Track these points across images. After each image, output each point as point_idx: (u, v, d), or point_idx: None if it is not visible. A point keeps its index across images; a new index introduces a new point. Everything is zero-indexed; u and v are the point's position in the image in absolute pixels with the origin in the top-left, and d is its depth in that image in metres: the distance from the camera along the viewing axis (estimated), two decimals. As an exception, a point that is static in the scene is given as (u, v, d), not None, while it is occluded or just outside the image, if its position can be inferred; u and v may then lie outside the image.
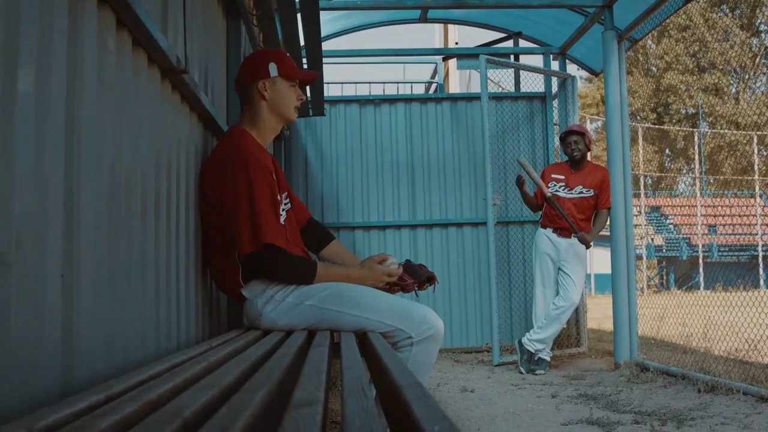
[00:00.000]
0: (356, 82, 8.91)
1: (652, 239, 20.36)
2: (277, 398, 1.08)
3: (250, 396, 0.95)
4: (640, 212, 17.81)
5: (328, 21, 5.93)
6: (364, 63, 8.35)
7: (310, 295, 2.20)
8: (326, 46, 5.11)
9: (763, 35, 26.49)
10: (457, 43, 10.78)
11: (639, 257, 16.52)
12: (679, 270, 21.00)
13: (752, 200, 19.64)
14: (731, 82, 27.91)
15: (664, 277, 21.65)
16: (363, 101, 6.41)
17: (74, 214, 1.19)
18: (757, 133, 18.23)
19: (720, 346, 5.13)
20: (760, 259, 17.35)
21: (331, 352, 1.68)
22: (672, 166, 28.02)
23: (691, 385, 3.98)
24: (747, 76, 27.51)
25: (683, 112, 27.72)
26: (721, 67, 26.37)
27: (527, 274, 5.99)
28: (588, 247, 4.96)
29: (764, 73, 26.58)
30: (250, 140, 2.29)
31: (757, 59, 26.67)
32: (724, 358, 4.68)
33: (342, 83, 9.10)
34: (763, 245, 17.84)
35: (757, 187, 18.91)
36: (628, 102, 5.12)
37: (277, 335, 2.05)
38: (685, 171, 26.29)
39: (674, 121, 27.10)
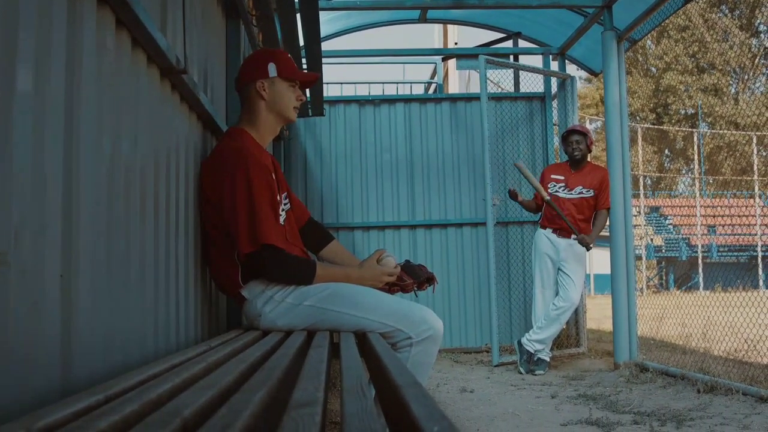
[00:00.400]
0: (355, 83, 8.95)
1: (652, 239, 20.37)
2: (276, 398, 1.08)
3: (249, 396, 0.95)
4: (639, 212, 17.82)
5: (327, 21, 5.94)
6: (364, 63, 8.36)
7: (309, 295, 2.20)
8: (325, 46, 5.11)
9: (762, 36, 26.52)
10: (456, 44, 10.79)
11: (638, 257, 16.53)
12: (678, 270, 21.00)
13: (751, 201, 19.64)
14: (730, 82, 27.94)
15: (664, 278, 21.66)
16: (362, 101, 6.41)
17: (73, 213, 1.19)
18: (757, 133, 18.24)
19: (719, 347, 5.13)
20: (760, 260, 17.34)
21: (330, 353, 1.68)
22: (671, 166, 28.04)
23: (690, 385, 3.98)
24: (746, 77, 27.54)
25: (682, 112, 27.75)
26: (720, 67, 26.39)
27: (527, 275, 5.99)
28: (589, 249, 4.96)
29: (763, 74, 26.62)
30: (249, 140, 2.29)
31: (757, 60, 26.70)
32: (724, 358, 4.68)
33: (341, 83, 9.14)
34: (762, 245, 17.85)
35: (756, 188, 18.91)
36: (628, 102, 5.11)
37: (276, 335, 2.05)
38: (684, 171, 26.32)
39: (673, 121, 27.12)
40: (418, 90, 9.27)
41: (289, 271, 2.20)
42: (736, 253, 20.14)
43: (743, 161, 19.56)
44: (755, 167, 18.72)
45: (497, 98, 6.30)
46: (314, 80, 2.47)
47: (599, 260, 18.43)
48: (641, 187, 18.15)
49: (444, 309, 6.07)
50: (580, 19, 5.63)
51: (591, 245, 4.92)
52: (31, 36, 1.05)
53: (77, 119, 1.22)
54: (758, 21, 25.28)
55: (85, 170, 1.24)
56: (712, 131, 23.39)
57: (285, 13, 3.26)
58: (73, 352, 1.18)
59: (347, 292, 2.22)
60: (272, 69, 2.32)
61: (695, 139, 19.76)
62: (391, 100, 6.45)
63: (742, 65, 26.76)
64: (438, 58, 8.04)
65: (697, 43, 25.88)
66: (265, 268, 2.18)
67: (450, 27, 10.83)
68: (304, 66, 4.10)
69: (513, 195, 5.08)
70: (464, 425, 3.21)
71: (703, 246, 18.86)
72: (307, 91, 4.46)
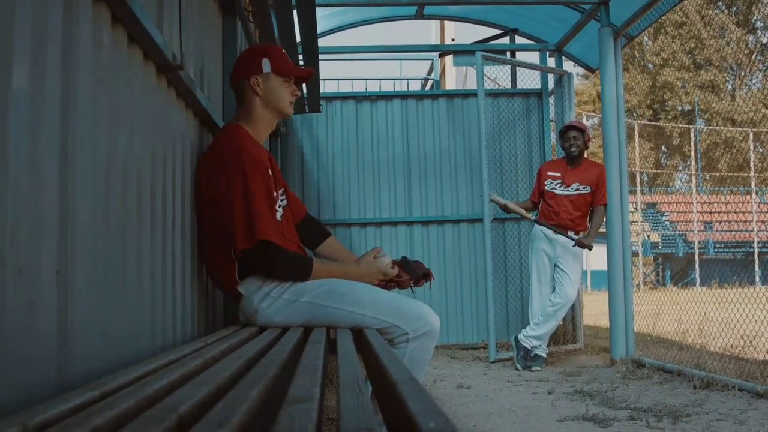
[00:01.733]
0: (352, 79, 8.88)
1: (648, 236, 20.40)
2: (272, 394, 1.08)
3: (245, 392, 0.95)
4: (636, 209, 17.84)
5: (323, 18, 5.93)
6: (361, 60, 8.35)
7: (306, 291, 2.20)
8: (322, 42, 5.10)
9: (758, 32, 26.55)
10: (453, 40, 10.77)
11: (635, 254, 16.56)
12: (675, 267, 21.03)
13: (748, 197, 19.69)
14: (727, 78, 27.97)
15: (660, 274, 21.70)
16: (359, 98, 6.40)
17: (69, 210, 1.19)
18: (753, 129, 18.28)
19: (715, 343, 5.14)
20: (756, 256, 17.40)
21: (327, 349, 1.68)
22: (668, 162, 28.08)
23: (686, 381, 3.99)
24: (743, 73, 27.58)
25: (679, 108, 27.77)
26: (717, 63, 26.42)
27: (523, 271, 6.00)
28: (590, 249, 4.96)
29: (760, 70, 26.66)
30: (246, 136, 2.28)
31: (753, 56, 26.74)
32: (720, 354, 4.69)
33: (338, 80, 9.08)
34: (758, 242, 17.89)
35: (752, 184, 18.96)
36: (625, 99, 5.12)
37: (273, 332, 2.05)
38: (681, 168, 26.36)
39: (670, 117, 27.14)
40: (415, 86, 9.26)
41: (286, 268, 2.20)
42: (732, 250, 20.18)
43: (740, 158, 19.61)
44: (752, 164, 18.76)
45: (494, 94, 6.30)
46: (309, 75, 2.46)
47: (596, 256, 18.43)
48: (638, 184, 18.19)
49: (441, 305, 6.07)
50: (577, 15, 5.63)
51: (591, 246, 4.92)
52: (27, 32, 1.05)
53: (73, 116, 1.21)
54: (755, 17, 25.31)
55: (81, 167, 1.23)
56: (709, 128, 23.43)
57: (281, 9, 3.25)
58: (69, 348, 1.18)
59: (344, 289, 2.22)
60: (266, 64, 2.32)
61: (692, 135, 19.81)
62: (387, 97, 6.45)
63: (738, 62, 26.80)
64: (435, 55, 8.03)
65: (693, 40, 25.90)
66: (261, 265, 2.18)
67: (447, 23, 10.81)
68: (301, 62, 4.09)
69: (506, 210, 5.10)
70: (461, 421, 3.21)
71: (699, 242, 18.90)
72: (304, 87, 4.45)
